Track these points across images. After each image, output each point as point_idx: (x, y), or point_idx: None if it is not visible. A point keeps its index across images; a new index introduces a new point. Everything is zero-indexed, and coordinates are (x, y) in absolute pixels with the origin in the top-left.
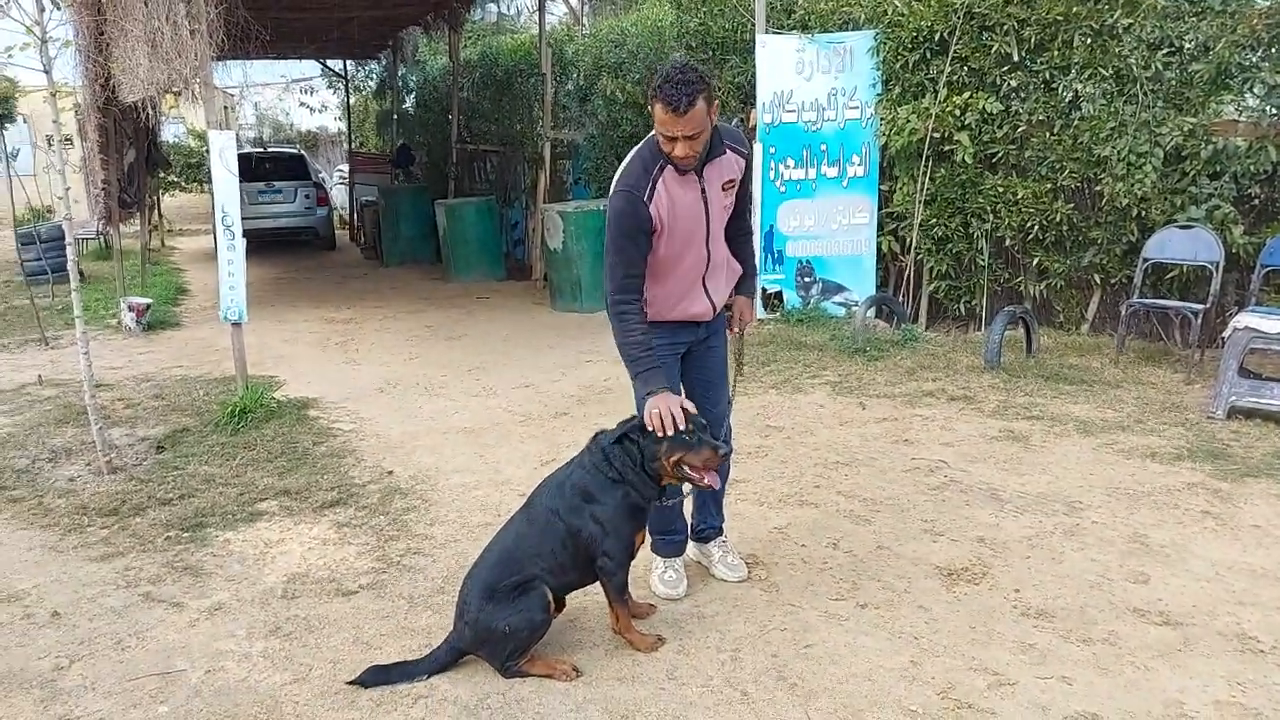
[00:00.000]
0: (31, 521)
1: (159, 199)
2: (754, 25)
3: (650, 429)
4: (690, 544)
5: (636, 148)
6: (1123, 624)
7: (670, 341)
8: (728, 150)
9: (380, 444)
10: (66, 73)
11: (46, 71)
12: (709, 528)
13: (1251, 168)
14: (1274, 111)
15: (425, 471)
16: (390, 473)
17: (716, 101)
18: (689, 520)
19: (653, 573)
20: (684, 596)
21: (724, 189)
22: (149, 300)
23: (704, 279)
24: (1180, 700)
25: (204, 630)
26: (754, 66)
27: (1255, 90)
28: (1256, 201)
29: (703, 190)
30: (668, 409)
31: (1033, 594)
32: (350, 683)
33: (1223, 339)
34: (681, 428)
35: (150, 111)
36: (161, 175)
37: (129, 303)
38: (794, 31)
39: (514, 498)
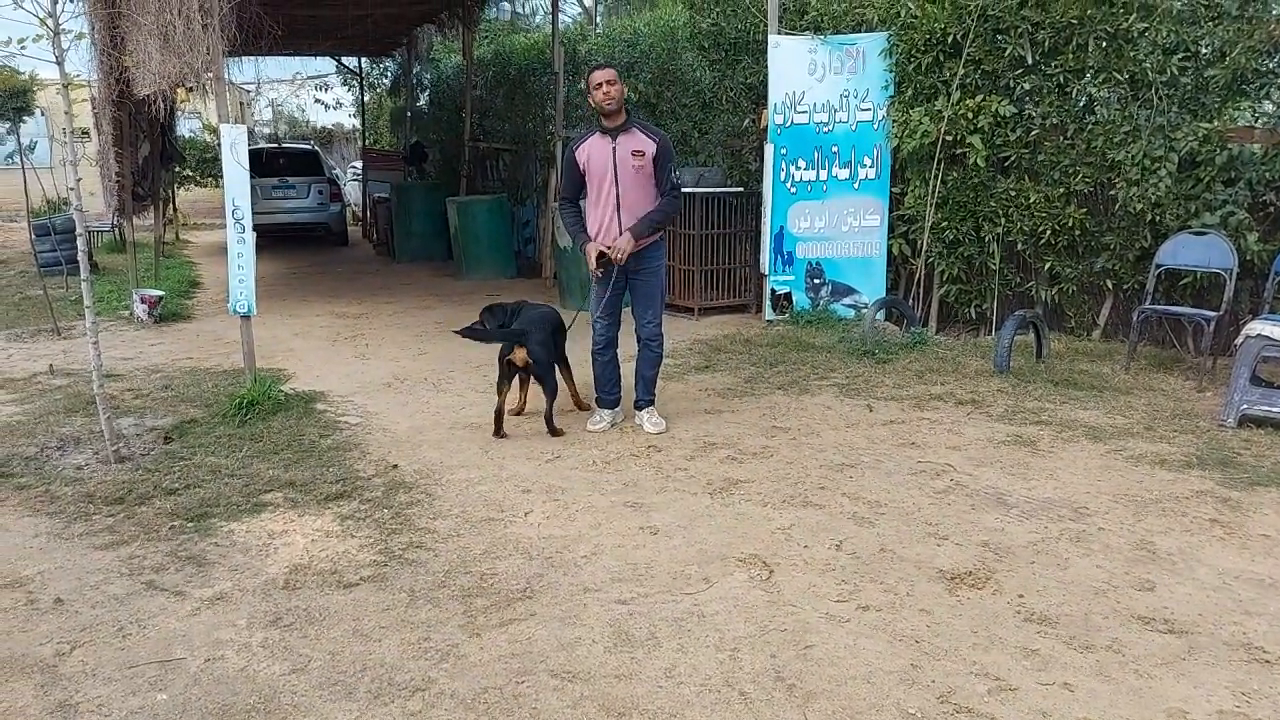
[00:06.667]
0: (38, 509)
1: (173, 193)
2: (767, 26)
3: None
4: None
5: None
6: (1127, 631)
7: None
8: (640, 133)
9: (386, 438)
10: (81, 66)
11: (59, 63)
12: (641, 400)
13: (1267, 175)
14: None
15: (430, 466)
16: (395, 467)
17: (624, 87)
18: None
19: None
20: (605, 430)
21: (632, 154)
22: (161, 292)
23: (618, 215)
24: (1184, 710)
25: (205, 619)
26: (766, 67)
27: (1272, 97)
28: (1271, 209)
29: (614, 150)
30: (589, 253)
31: (1036, 600)
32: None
33: (1235, 346)
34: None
35: (163, 105)
36: (176, 169)
37: (141, 295)
38: (806, 33)
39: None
